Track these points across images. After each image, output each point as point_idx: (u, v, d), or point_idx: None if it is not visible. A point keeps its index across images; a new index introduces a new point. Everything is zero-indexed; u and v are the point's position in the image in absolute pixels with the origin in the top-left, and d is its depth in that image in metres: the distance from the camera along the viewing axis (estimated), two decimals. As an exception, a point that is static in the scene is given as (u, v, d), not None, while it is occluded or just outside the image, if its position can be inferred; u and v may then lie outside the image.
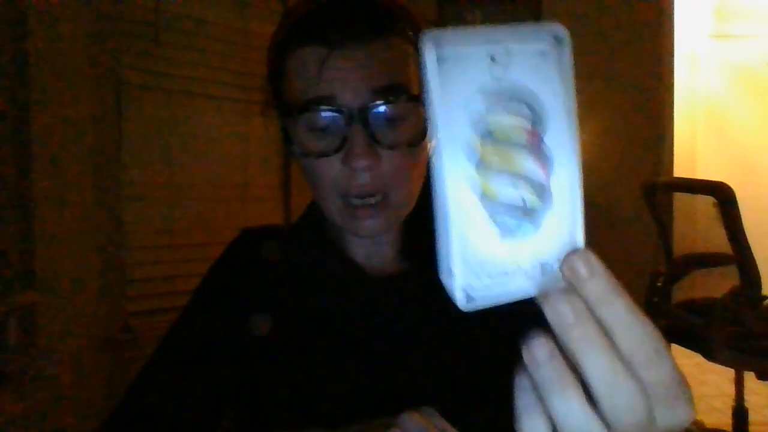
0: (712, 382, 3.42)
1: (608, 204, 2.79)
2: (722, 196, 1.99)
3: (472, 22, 2.71)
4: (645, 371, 0.26)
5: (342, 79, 0.58)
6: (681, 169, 3.15)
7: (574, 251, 0.27)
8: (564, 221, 0.27)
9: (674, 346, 2.77)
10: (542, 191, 0.27)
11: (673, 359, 0.27)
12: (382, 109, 0.59)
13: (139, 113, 1.74)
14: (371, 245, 0.68)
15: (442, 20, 2.62)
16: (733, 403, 2.39)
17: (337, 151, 0.59)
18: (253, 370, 0.66)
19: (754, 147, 4.12)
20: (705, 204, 2.17)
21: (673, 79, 2.91)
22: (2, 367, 1.35)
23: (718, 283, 2.11)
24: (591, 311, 0.27)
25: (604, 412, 0.26)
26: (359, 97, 0.58)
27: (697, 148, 4.39)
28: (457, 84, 0.26)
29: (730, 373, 2.40)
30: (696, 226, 3.80)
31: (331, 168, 0.60)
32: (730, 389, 2.44)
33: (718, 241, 2.11)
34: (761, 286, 2.02)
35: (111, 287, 1.67)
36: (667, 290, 2.34)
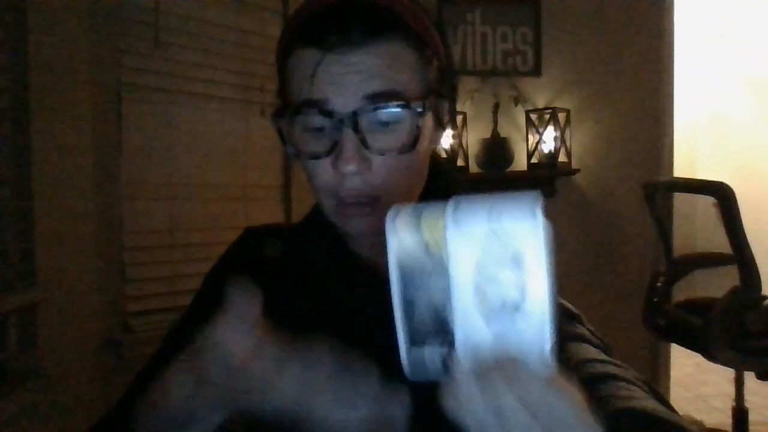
0: (712, 382, 3.43)
1: (608, 204, 2.79)
2: (722, 196, 1.99)
3: (471, 23, 2.71)
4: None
5: (335, 83, 0.58)
6: (681, 169, 3.15)
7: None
8: (537, 319, 0.38)
9: (674, 346, 2.77)
10: (522, 299, 0.39)
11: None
12: (373, 114, 0.59)
13: (139, 113, 1.74)
14: (376, 245, 0.68)
15: (442, 20, 2.62)
16: (733, 403, 2.39)
17: (328, 153, 0.60)
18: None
19: (755, 147, 4.12)
20: (705, 204, 2.18)
21: (673, 79, 2.91)
22: (2, 367, 1.35)
23: (718, 283, 2.11)
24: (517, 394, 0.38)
25: None
26: (351, 102, 0.58)
27: (697, 148, 4.40)
28: (466, 235, 0.39)
29: (730, 373, 2.40)
30: (696, 226, 3.81)
31: (323, 170, 0.61)
32: (730, 389, 2.44)
33: (718, 241, 2.12)
34: (761, 286, 2.02)
35: (111, 287, 1.67)
36: (667, 290, 2.34)
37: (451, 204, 0.40)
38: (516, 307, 0.39)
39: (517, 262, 0.38)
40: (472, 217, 0.39)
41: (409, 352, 0.42)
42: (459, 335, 0.40)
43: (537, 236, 0.38)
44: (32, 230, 1.42)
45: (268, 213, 2.08)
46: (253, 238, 0.74)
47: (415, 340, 0.41)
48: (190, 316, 0.72)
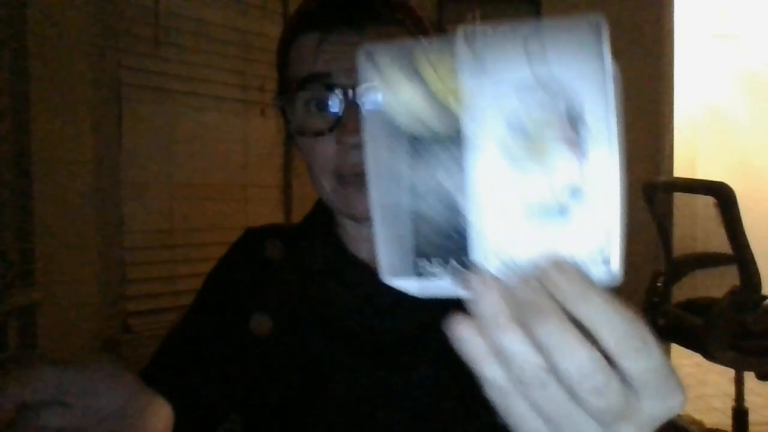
0: (712, 382, 3.42)
1: (608, 204, 2.78)
2: (722, 196, 1.99)
3: (472, 22, 2.71)
4: (631, 363, 0.26)
5: (337, 58, 0.59)
6: (681, 169, 3.14)
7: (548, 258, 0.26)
8: (596, 219, 0.26)
9: (674, 346, 2.77)
10: (574, 187, 0.26)
11: (659, 349, 0.26)
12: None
13: (139, 113, 1.74)
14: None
15: (442, 20, 2.62)
16: (733, 403, 2.39)
17: (332, 129, 0.60)
18: (256, 369, 0.66)
19: (754, 147, 4.12)
20: (705, 204, 2.18)
21: (673, 78, 2.91)
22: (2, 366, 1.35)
23: (718, 283, 2.11)
24: (571, 311, 0.26)
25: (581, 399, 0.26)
26: (354, 75, 0.59)
27: (697, 148, 4.39)
28: (491, 79, 0.25)
29: (730, 373, 2.40)
30: (696, 226, 3.81)
31: (326, 147, 0.61)
32: (730, 389, 2.44)
33: (718, 241, 2.11)
34: (761, 286, 2.02)
35: (111, 287, 1.67)
36: (667, 290, 2.34)
37: (461, 34, 0.27)
38: (571, 192, 0.26)
39: (572, 124, 0.25)
40: (502, 53, 0.26)
41: (388, 249, 0.29)
42: (480, 230, 0.27)
43: (604, 85, 0.25)
44: (32, 230, 1.42)
45: (268, 213, 2.08)
46: (254, 238, 0.74)
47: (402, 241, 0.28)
48: (191, 317, 0.72)
